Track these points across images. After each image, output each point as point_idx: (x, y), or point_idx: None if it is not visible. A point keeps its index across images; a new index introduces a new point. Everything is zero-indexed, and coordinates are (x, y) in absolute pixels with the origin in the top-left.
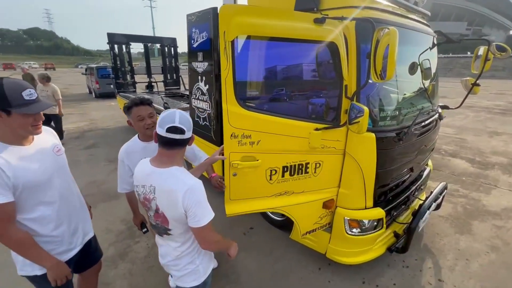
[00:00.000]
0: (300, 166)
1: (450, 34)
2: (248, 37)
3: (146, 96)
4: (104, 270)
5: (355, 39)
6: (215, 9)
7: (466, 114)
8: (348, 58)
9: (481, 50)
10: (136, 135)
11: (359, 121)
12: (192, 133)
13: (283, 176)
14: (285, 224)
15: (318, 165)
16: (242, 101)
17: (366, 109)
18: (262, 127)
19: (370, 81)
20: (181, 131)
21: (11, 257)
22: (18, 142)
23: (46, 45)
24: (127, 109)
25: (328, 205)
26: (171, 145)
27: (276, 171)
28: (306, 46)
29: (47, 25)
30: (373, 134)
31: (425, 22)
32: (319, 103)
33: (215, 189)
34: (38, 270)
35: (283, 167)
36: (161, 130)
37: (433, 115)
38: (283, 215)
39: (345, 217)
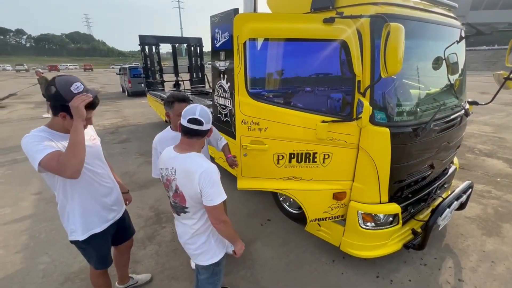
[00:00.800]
0: (308, 155)
1: (497, 24)
2: (255, 39)
3: (186, 94)
4: (134, 249)
5: (369, 36)
6: (236, 10)
7: (508, 112)
8: (363, 55)
9: None
10: (169, 126)
11: (361, 116)
12: (214, 127)
13: (290, 162)
14: (301, 217)
15: (327, 156)
16: (252, 93)
17: (366, 104)
18: (269, 116)
19: (393, 77)
20: (200, 123)
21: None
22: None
23: (85, 48)
24: (170, 103)
25: (338, 196)
26: (191, 135)
27: (283, 156)
28: (313, 45)
29: (86, 29)
30: (388, 129)
31: (451, 14)
32: (325, 96)
33: (230, 167)
34: (81, 236)
35: (290, 154)
36: (183, 121)
37: (457, 111)
38: (299, 208)
39: (359, 211)
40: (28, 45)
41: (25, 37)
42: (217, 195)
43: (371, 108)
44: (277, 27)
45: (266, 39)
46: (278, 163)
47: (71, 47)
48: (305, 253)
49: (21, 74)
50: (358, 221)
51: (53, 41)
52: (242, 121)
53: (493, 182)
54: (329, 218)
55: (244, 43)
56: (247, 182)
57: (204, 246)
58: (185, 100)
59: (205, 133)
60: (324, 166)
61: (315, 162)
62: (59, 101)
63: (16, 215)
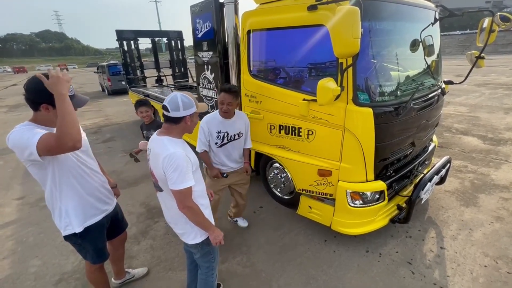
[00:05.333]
0: (293, 129)
1: (467, 8)
2: (255, 30)
3: (235, 86)
4: (128, 245)
5: None
6: None
7: (481, 92)
8: None
9: (486, 22)
10: (218, 110)
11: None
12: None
13: (279, 132)
14: (292, 202)
15: (310, 132)
16: (251, 73)
17: (319, 83)
18: (263, 91)
19: (373, 60)
20: (166, 109)
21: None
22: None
23: (58, 47)
24: (220, 90)
25: (323, 173)
26: (165, 120)
27: (274, 127)
28: (300, 31)
29: (57, 27)
30: (371, 109)
31: None
32: (308, 77)
33: (246, 172)
34: (76, 228)
35: (279, 125)
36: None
37: (434, 90)
38: (291, 193)
39: (347, 190)
40: None
41: None
42: (181, 180)
43: (333, 88)
44: (270, 18)
45: (261, 29)
46: (271, 132)
47: (42, 47)
48: (298, 235)
49: None
50: (347, 200)
51: (22, 41)
52: (245, 94)
53: (469, 158)
54: (316, 192)
55: (248, 33)
56: (252, 144)
57: (185, 227)
58: (229, 91)
59: (177, 120)
60: (309, 141)
61: (300, 136)
62: (47, 97)
63: None
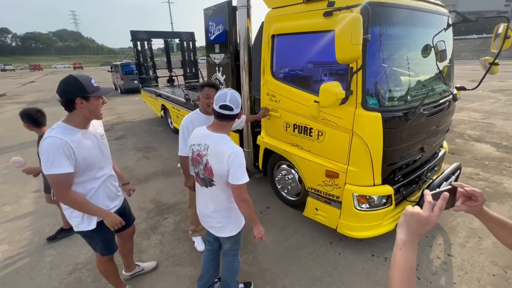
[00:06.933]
0: (306, 129)
1: (486, 12)
2: (280, 34)
3: (215, 82)
4: (139, 240)
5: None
6: (229, 2)
7: (497, 98)
8: None
9: (501, 28)
10: (198, 109)
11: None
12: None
13: (294, 131)
14: (299, 204)
15: (320, 133)
16: (273, 73)
17: (322, 86)
18: (281, 91)
19: (384, 64)
20: (230, 109)
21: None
22: (83, 126)
23: (74, 46)
24: (201, 87)
25: (330, 175)
26: (222, 118)
27: (289, 125)
28: (317, 36)
29: (73, 26)
30: (379, 114)
31: (438, 2)
32: (321, 80)
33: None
34: (88, 226)
35: (294, 124)
36: (216, 106)
37: (445, 96)
38: (297, 195)
39: (354, 193)
40: (14, 44)
41: (10, 36)
42: (242, 176)
43: (336, 91)
44: (293, 24)
45: (284, 34)
46: (286, 130)
47: (59, 46)
48: (303, 236)
49: (8, 74)
50: (354, 203)
51: (40, 40)
52: (266, 93)
53: (481, 165)
54: (323, 193)
55: (272, 37)
56: (269, 139)
57: (226, 220)
58: (214, 86)
59: (235, 116)
60: (319, 142)
61: (311, 136)
62: (80, 92)
63: (18, 212)
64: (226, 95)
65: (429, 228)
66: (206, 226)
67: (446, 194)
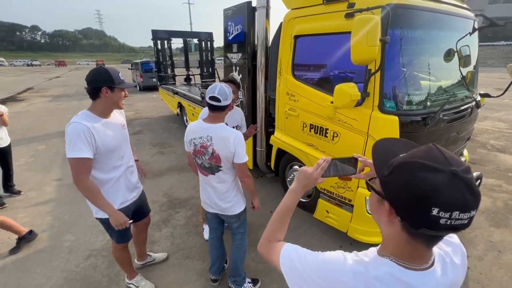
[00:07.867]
0: (321, 129)
1: None
2: (302, 35)
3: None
4: (151, 231)
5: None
6: (249, 3)
7: None
8: None
9: None
10: None
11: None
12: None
13: (310, 131)
14: (309, 205)
15: (335, 134)
16: (293, 73)
17: (336, 87)
18: (300, 91)
19: (403, 67)
20: (218, 100)
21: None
22: (105, 115)
23: (97, 44)
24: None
25: (342, 177)
26: (214, 109)
27: (306, 125)
28: (339, 37)
29: (98, 25)
30: (396, 117)
31: (465, 6)
32: (339, 81)
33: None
34: (105, 215)
35: (310, 124)
36: (207, 98)
37: (467, 103)
38: (308, 197)
39: (367, 197)
40: (43, 41)
41: (39, 33)
42: (244, 155)
43: (351, 93)
44: (315, 25)
45: (307, 35)
46: (303, 129)
47: (83, 43)
48: (313, 239)
49: (36, 69)
50: (366, 207)
51: (67, 37)
52: (286, 93)
53: (504, 177)
54: (336, 195)
55: (295, 38)
56: (285, 137)
57: (234, 198)
58: (233, 81)
59: (225, 107)
60: (334, 143)
61: (327, 137)
62: (107, 82)
63: (41, 198)
64: (216, 88)
65: (312, 182)
66: (215, 211)
67: (329, 158)
